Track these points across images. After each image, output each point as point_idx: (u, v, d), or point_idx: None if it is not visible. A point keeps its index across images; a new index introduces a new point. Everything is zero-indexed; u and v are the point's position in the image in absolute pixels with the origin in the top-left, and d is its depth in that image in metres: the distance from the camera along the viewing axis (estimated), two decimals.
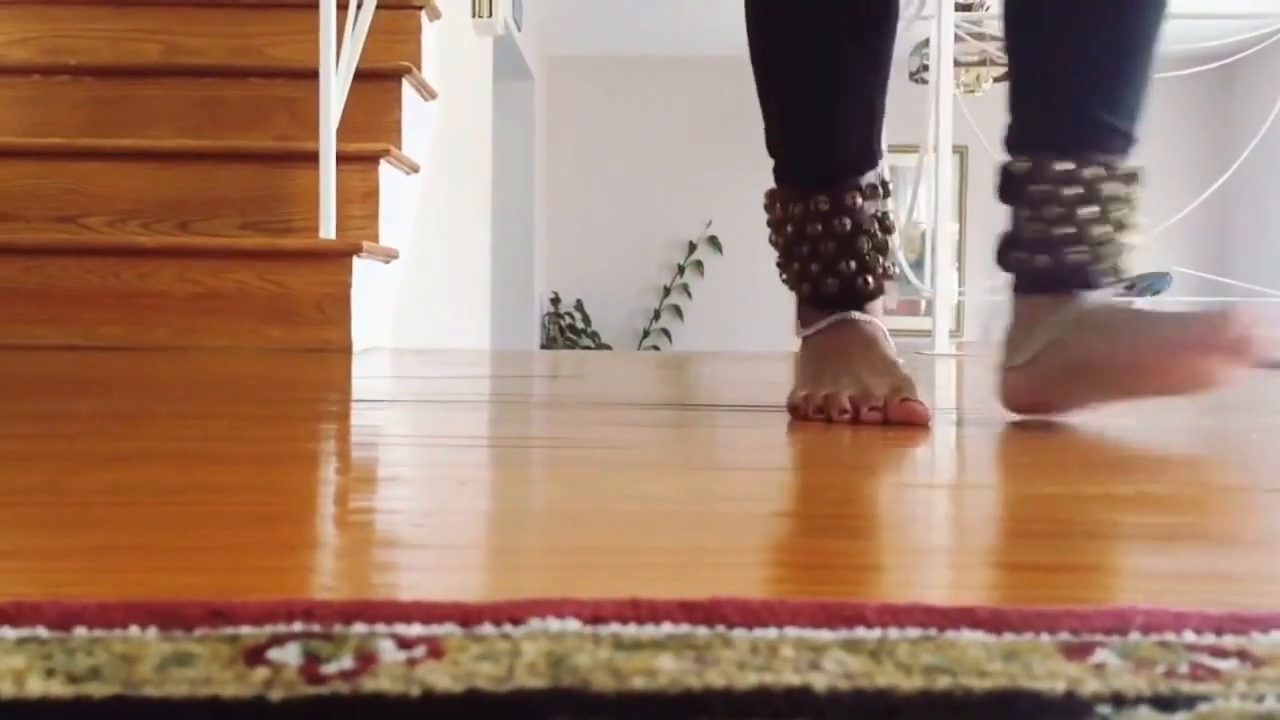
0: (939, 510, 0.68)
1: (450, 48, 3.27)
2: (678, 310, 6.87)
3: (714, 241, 6.85)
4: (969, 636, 0.33)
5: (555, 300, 6.76)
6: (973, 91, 3.69)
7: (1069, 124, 0.97)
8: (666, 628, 0.33)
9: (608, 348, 6.55)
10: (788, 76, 1.13)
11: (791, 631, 0.33)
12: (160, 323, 2.24)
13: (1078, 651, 0.32)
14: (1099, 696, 0.28)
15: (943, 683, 0.29)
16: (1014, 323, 1.02)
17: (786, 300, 1.18)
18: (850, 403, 1.00)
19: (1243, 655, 0.32)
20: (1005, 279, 1.03)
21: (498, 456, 0.88)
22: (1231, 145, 3.25)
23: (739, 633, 0.33)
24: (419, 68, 2.76)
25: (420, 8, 2.80)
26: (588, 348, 6.47)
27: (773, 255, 1.20)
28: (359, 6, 2.41)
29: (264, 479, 0.73)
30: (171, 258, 2.23)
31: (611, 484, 0.73)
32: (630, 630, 0.33)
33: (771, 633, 0.33)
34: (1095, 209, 0.95)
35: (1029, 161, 0.98)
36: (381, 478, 0.76)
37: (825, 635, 0.33)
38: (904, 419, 0.97)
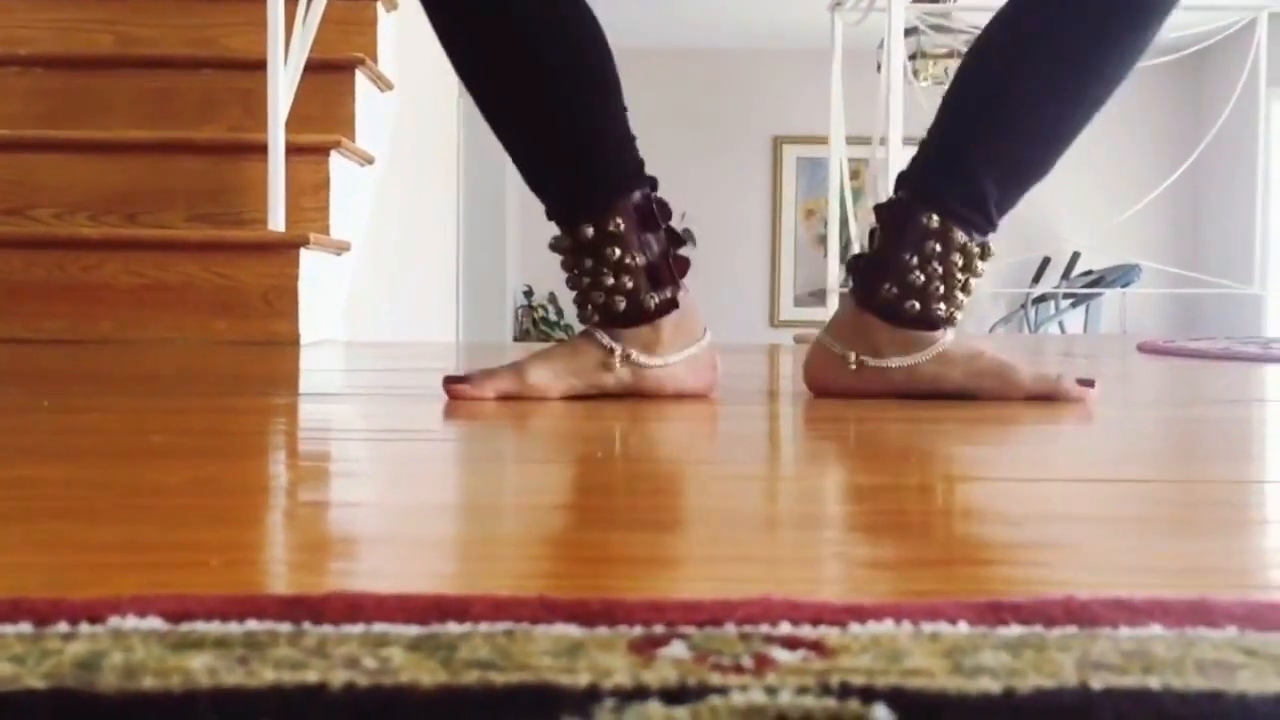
0: (746, 503, 0.67)
1: (411, 39, 3.25)
2: None
3: (687, 234, 6.79)
4: (556, 630, 0.32)
5: (528, 293, 6.74)
6: (942, 83, 3.65)
7: (973, 199, 1.10)
8: (250, 624, 0.32)
9: None
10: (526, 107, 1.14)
11: (379, 627, 0.32)
12: (104, 316, 2.23)
13: (648, 644, 0.31)
14: (619, 690, 0.28)
15: (469, 677, 0.28)
16: (856, 327, 1.15)
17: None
18: None
19: (815, 646, 0.31)
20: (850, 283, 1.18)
21: (333, 449, 0.87)
22: (1202, 137, 3.25)
23: (325, 629, 0.32)
24: (375, 59, 2.74)
25: None
26: (561, 340, 6.43)
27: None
28: None
29: (80, 473, 0.72)
30: (116, 250, 2.22)
31: (431, 477, 0.72)
32: (209, 627, 0.32)
33: (357, 628, 0.32)
34: (964, 277, 1.12)
35: (936, 217, 1.10)
36: (185, 473, 0.75)
37: (411, 630, 0.32)
38: None
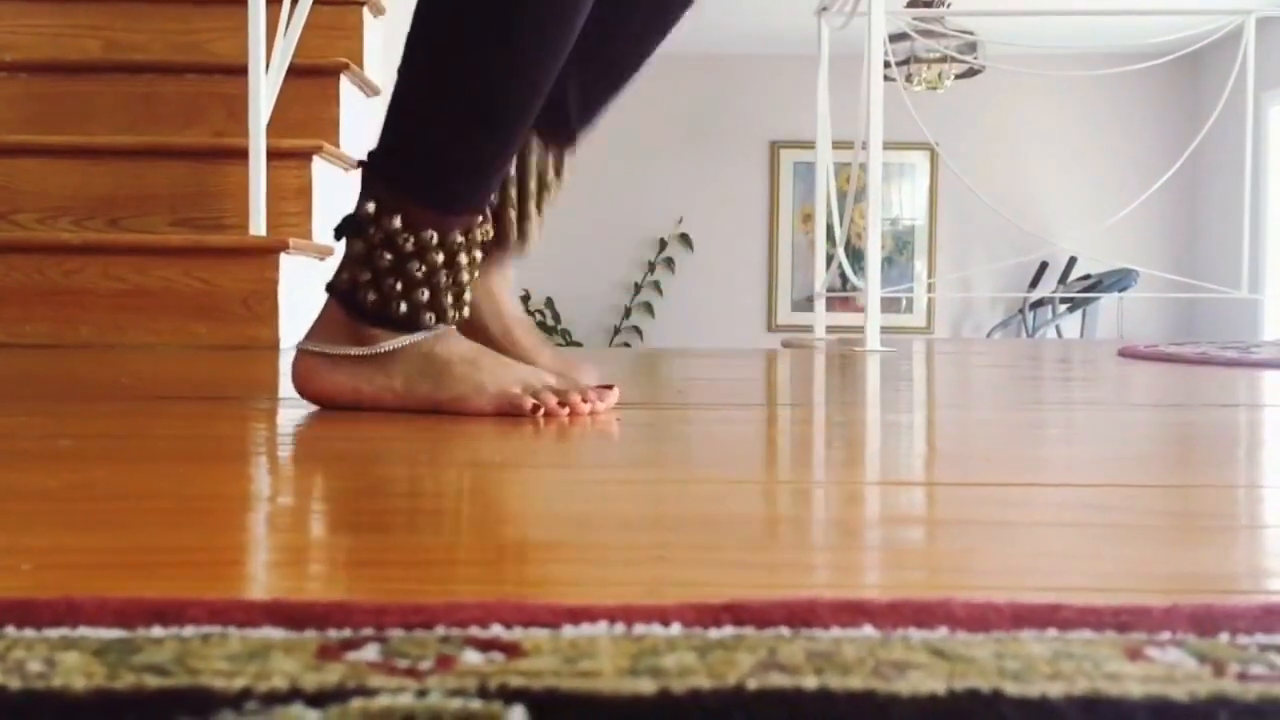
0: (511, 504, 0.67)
1: (399, 44, 3.25)
2: (649, 307, 6.85)
3: (685, 239, 6.81)
4: (259, 634, 0.32)
5: (525, 298, 6.74)
6: (935, 88, 3.63)
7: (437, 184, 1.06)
8: None
9: (579, 345, 6.54)
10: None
11: (81, 631, 0.32)
12: (85, 320, 2.24)
13: (341, 648, 0.30)
14: (272, 694, 0.27)
15: (124, 681, 0.28)
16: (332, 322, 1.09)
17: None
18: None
19: (510, 649, 0.30)
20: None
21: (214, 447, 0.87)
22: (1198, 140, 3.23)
23: (26, 632, 0.32)
24: (361, 64, 2.75)
25: (362, 4, 2.79)
26: (558, 345, 6.45)
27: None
28: (294, 2, 2.41)
29: None
30: (97, 255, 2.23)
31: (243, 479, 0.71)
32: None
33: (58, 632, 0.32)
34: (446, 274, 1.06)
35: (399, 217, 1.05)
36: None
37: (110, 634, 0.32)
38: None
